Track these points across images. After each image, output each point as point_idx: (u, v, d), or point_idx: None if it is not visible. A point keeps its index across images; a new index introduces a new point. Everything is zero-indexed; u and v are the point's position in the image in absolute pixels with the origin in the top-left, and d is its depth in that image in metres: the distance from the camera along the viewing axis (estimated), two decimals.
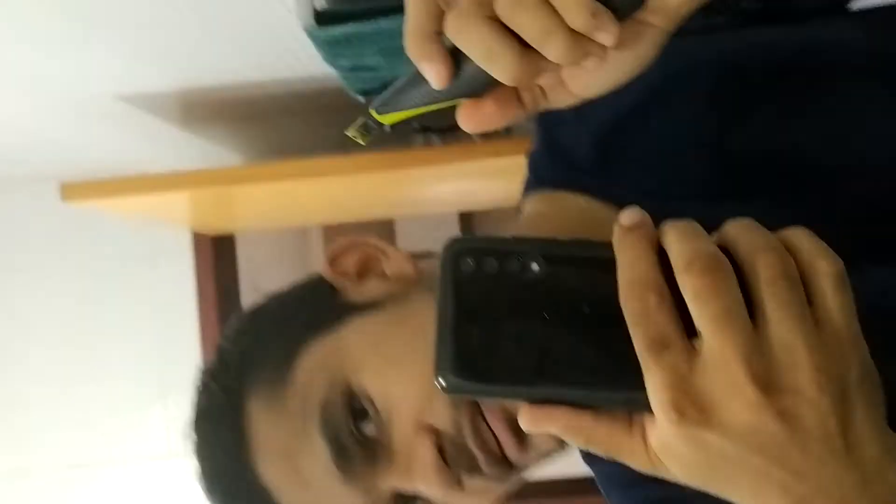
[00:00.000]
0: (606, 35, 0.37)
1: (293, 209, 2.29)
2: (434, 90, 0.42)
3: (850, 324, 0.35)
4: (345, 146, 2.13)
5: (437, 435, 0.57)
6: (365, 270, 0.69)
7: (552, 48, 0.38)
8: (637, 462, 0.39)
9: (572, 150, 0.63)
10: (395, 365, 0.60)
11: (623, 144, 0.61)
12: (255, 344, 0.65)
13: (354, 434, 0.58)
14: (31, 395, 2.50)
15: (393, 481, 0.59)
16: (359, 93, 1.71)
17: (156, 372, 2.41)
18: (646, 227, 0.38)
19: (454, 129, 2.25)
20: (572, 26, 0.37)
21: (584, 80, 0.43)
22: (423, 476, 0.57)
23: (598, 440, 0.38)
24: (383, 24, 1.41)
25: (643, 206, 0.40)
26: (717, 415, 0.34)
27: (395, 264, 0.68)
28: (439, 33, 0.41)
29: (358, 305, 0.65)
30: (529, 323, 0.39)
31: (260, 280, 2.80)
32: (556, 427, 0.38)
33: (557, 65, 0.39)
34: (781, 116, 0.58)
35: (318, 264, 0.71)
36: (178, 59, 1.73)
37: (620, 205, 0.58)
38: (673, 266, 0.36)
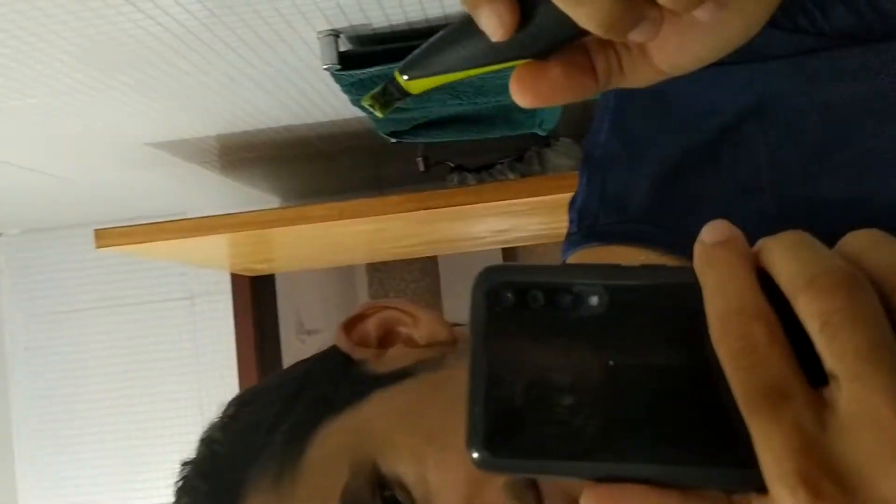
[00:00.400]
0: None
1: (333, 249, 2.29)
2: (485, 46, 0.33)
3: None
4: (380, 186, 2.11)
5: None
6: (389, 338, 0.58)
7: None
8: None
9: (626, 197, 0.53)
10: (433, 442, 0.48)
11: (686, 188, 0.53)
12: (254, 431, 0.54)
13: None
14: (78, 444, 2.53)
15: None
16: (389, 135, 1.70)
17: (195, 412, 2.42)
18: (738, 242, 0.28)
19: (489, 166, 2.24)
20: None
21: (675, 49, 0.35)
22: None
23: None
24: None
25: None
26: (866, 492, 0.25)
27: (424, 328, 0.57)
28: None
29: (382, 376, 0.54)
30: (588, 375, 0.30)
31: (304, 319, 2.81)
32: None
33: (661, 15, 0.31)
34: (860, 161, 0.49)
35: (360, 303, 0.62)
36: (210, 106, 1.74)
37: (686, 257, 0.48)
38: (786, 289, 0.27)
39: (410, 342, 0.57)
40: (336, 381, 0.55)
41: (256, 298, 2.46)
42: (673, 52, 0.35)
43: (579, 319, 0.30)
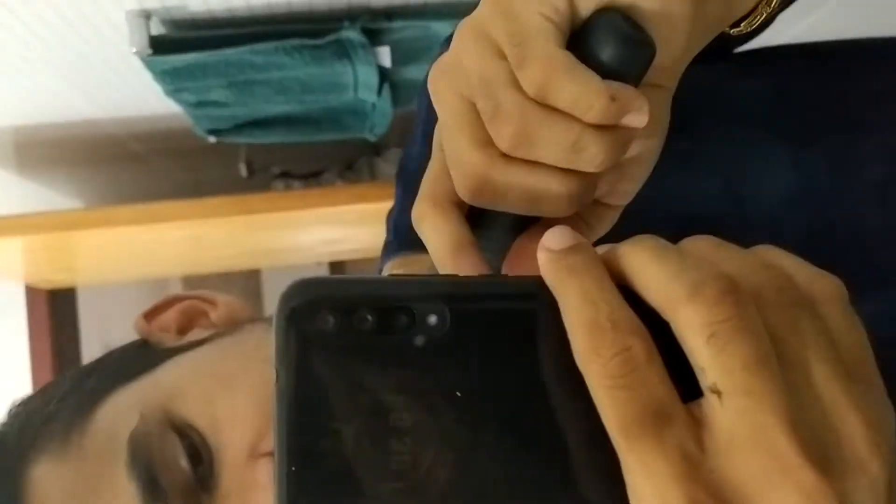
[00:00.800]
0: (637, 115, 0.31)
1: (143, 260, 2.12)
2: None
3: (873, 364, 0.25)
4: (199, 194, 1.97)
5: None
6: (189, 325, 0.60)
7: (587, 156, 0.31)
8: None
9: None
10: (224, 388, 0.50)
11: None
12: (42, 408, 0.54)
13: (171, 467, 0.47)
14: None
15: None
16: (207, 132, 1.58)
17: None
18: (590, 248, 0.26)
19: (317, 174, 2.16)
20: (595, 121, 0.30)
21: (621, 183, 0.36)
22: (265, 500, 0.47)
23: None
24: (229, 54, 1.29)
25: None
26: None
27: (223, 309, 0.60)
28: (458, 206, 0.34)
29: (178, 348, 0.56)
30: (431, 411, 0.25)
31: (110, 338, 2.58)
32: None
33: (597, 176, 0.33)
34: (671, 164, 0.52)
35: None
36: (1, 93, 1.56)
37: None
38: (657, 299, 0.25)
39: (209, 325, 0.60)
40: (130, 357, 0.56)
41: (55, 316, 2.24)
42: (621, 187, 0.36)
43: (418, 344, 0.25)
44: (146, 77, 1.37)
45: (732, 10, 0.36)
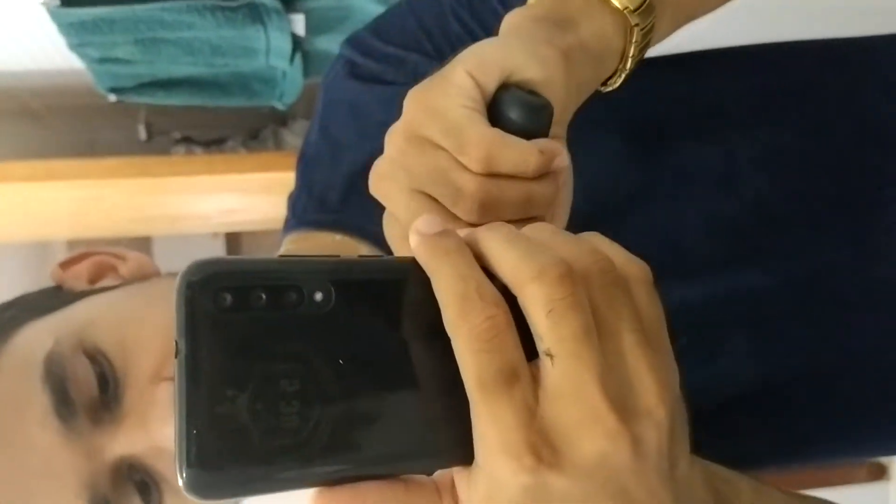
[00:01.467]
0: (560, 159, 0.38)
1: (31, 220, 2.03)
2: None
3: (666, 334, 0.31)
4: (94, 155, 1.91)
5: None
6: (99, 276, 0.66)
7: (538, 201, 0.37)
8: None
9: (327, 190, 0.61)
10: (134, 321, 0.56)
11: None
12: None
13: (81, 386, 0.52)
14: None
15: (122, 443, 0.53)
16: (108, 90, 1.54)
17: None
18: (455, 233, 0.32)
19: (220, 142, 2.13)
20: (535, 174, 0.37)
21: (563, 206, 0.42)
22: (162, 417, 0.52)
23: None
24: (139, 10, 1.27)
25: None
26: (569, 452, 0.29)
27: (133, 264, 0.66)
28: None
29: (90, 291, 0.61)
30: (314, 376, 0.28)
31: None
32: None
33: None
34: None
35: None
36: None
37: (377, 243, 0.57)
38: (509, 277, 0.30)
39: (119, 277, 0.65)
40: (46, 296, 0.61)
41: None
42: (561, 209, 0.42)
43: (305, 318, 0.29)
44: (50, 30, 1.33)
45: (598, 73, 0.43)
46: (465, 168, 0.37)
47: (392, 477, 0.30)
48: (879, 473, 2.44)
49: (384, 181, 0.39)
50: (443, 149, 0.37)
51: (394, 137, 0.39)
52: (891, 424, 0.60)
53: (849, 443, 0.61)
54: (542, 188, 0.38)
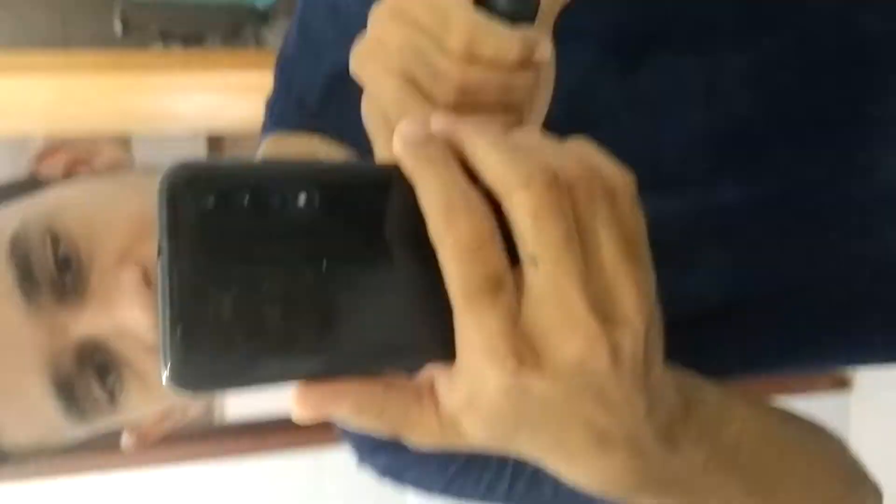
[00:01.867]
0: (542, 50, 0.37)
1: (4, 114, 1.99)
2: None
3: (647, 246, 0.32)
4: (68, 43, 1.87)
5: (143, 268, 0.53)
6: (74, 168, 0.65)
7: (517, 91, 0.38)
8: (424, 434, 0.32)
9: (306, 92, 0.61)
10: (103, 205, 0.56)
11: (355, 89, 0.59)
12: None
13: (45, 266, 0.52)
14: None
15: (86, 322, 0.53)
16: None
17: None
18: (439, 140, 0.31)
19: (199, 38, 2.07)
20: (515, 63, 0.37)
21: (541, 99, 0.42)
22: (127, 299, 0.52)
23: (390, 415, 0.32)
24: None
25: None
26: (550, 355, 0.30)
27: (108, 157, 0.65)
28: None
29: (62, 181, 0.62)
30: (297, 278, 0.29)
31: None
32: (347, 406, 0.31)
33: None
34: None
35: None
36: None
37: (355, 146, 0.56)
38: (495, 184, 0.30)
39: (93, 170, 0.64)
40: (19, 184, 0.61)
41: None
42: (539, 102, 0.42)
43: (289, 220, 0.29)
44: None
45: None
46: (446, 51, 0.37)
47: (373, 375, 0.31)
48: (842, 384, 2.51)
49: (365, 60, 0.39)
50: (425, 29, 0.37)
51: (377, 15, 0.39)
52: (860, 335, 0.62)
53: (817, 356, 0.63)
54: (522, 79, 0.38)
